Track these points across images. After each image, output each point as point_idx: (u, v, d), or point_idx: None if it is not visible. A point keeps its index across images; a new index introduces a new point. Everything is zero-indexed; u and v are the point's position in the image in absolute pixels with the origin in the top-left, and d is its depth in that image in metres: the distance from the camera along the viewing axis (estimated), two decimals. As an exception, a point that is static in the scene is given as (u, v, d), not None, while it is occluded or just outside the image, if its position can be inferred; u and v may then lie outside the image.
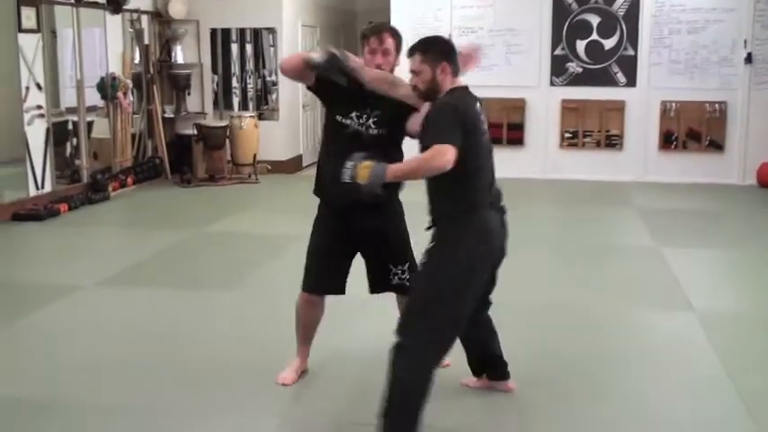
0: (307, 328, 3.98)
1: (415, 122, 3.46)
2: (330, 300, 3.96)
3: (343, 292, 3.92)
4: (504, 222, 3.34)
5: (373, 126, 3.63)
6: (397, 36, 3.68)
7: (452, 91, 3.27)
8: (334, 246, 3.80)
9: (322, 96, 3.80)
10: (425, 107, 3.37)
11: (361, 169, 3.09)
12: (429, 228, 3.29)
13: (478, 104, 3.32)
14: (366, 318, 4.76)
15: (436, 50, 3.28)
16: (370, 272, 3.89)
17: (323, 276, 3.85)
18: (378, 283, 3.90)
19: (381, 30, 3.66)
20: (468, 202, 3.20)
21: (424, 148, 3.15)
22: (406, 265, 3.83)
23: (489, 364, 3.79)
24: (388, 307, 4.10)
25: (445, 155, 3.01)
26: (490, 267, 3.33)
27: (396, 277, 3.83)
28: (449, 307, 3.15)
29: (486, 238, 3.21)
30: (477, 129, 3.21)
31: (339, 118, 3.66)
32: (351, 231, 3.75)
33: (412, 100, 3.44)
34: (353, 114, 3.64)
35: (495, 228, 3.26)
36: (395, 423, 3.14)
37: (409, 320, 3.19)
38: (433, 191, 3.26)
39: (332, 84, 3.60)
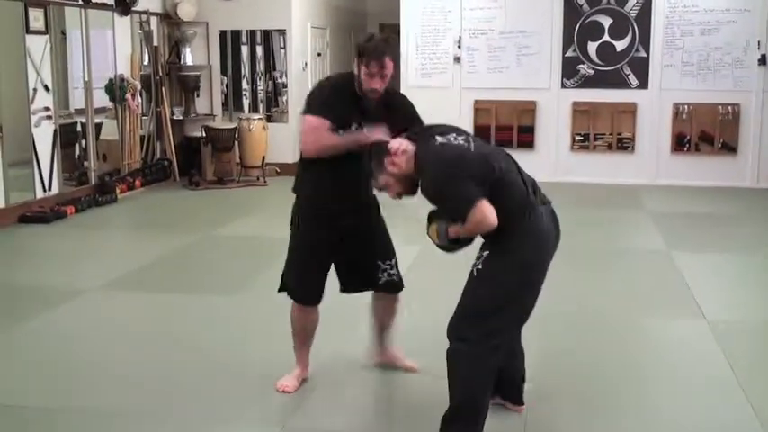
0: (305, 335, 3.92)
1: None
2: (328, 305, 3.90)
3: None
4: (553, 214, 3.32)
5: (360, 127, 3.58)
6: (395, 55, 3.59)
7: (427, 142, 3.22)
8: (323, 252, 3.75)
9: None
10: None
11: (432, 233, 3.31)
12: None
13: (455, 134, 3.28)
14: (364, 322, 4.70)
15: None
16: (358, 271, 3.84)
17: (318, 286, 3.79)
18: (365, 283, 3.87)
19: (383, 55, 3.50)
20: (516, 212, 3.16)
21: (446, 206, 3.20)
22: (393, 260, 3.85)
23: (507, 385, 3.64)
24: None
25: (486, 219, 3.05)
26: (548, 263, 3.32)
27: (385, 274, 3.82)
28: (514, 307, 3.23)
29: (541, 235, 3.23)
30: (480, 159, 3.17)
31: (340, 132, 3.57)
32: (339, 233, 3.70)
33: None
34: (353, 126, 3.58)
35: (548, 223, 3.26)
36: (465, 423, 3.22)
37: (473, 322, 3.19)
38: None
39: (335, 104, 3.55)
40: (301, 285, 3.79)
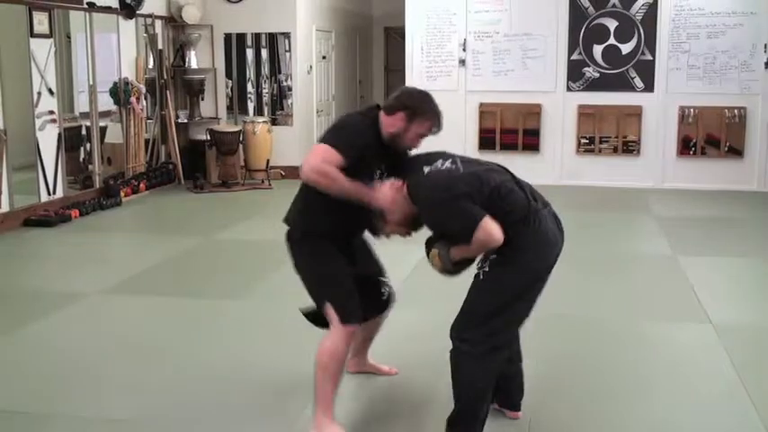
0: (343, 373, 3.50)
1: None
2: None
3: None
4: (555, 216, 3.30)
5: (386, 175, 3.44)
6: None
7: (416, 175, 3.19)
8: (348, 268, 3.55)
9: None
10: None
11: (433, 259, 3.31)
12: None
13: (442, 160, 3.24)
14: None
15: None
16: (366, 291, 3.65)
17: (359, 299, 3.51)
18: (370, 304, 3.73)
19: (442, 124, 3.40)
20: (520, 220, 3.15)
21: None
22: (387, 275, 3.82)
23: (504, 391, 3.61)
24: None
25: (491, 238, 3.04)
26: (553, 265, 3.31)
27: (386, 290, 3.80)
28: (516, 309, 3.24)
29: (547, 240, 3.22)
30: (470, 176, 3.15)
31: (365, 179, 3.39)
32: (349, 254, 3.60)
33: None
34: (377, 173, 3.41)
35: (552, 226, 3.25)
36: (467, 424, 3.25)
37: (476, 324, 3.21)
38: None
39: (363, 147, 3.35)
40: (346, 301, 3.44)
